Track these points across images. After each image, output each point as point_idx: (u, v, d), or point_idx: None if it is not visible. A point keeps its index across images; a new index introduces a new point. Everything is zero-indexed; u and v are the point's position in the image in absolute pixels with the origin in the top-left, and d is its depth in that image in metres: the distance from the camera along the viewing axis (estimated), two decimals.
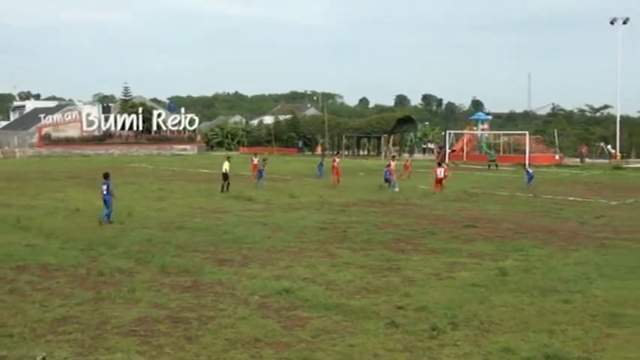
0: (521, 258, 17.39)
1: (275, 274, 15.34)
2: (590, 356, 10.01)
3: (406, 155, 64.03)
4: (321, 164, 44.79)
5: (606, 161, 65.24)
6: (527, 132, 66.10)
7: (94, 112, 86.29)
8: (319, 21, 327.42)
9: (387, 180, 36.12)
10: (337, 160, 40.70)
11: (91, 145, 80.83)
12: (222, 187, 34.48)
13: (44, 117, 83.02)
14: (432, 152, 79.20)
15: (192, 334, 10.93)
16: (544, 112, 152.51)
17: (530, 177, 37.92)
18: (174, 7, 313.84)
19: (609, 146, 73.13)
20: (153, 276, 15.08)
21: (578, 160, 64.93)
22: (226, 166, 35.44)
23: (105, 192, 23.44)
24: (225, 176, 34.91)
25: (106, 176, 23.85)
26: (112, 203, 23.50)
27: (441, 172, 34.62)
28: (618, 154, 69.80)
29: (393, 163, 39.11)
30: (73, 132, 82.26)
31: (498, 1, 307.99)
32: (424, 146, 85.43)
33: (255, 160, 41.77)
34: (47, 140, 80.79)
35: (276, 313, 12.12)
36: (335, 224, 23.28)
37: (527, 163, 56.56)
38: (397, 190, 34.93)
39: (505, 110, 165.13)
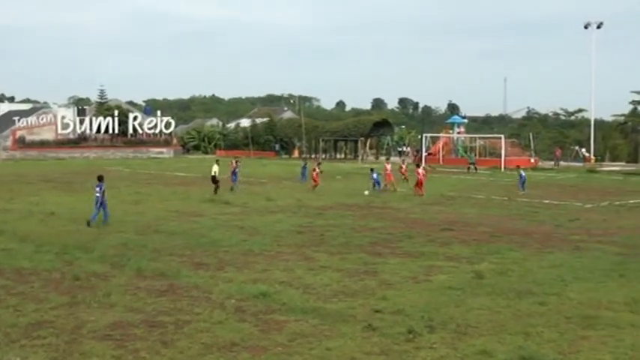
0: (497, 261, 17.48)
1: (252, 277, 15.30)
2: (565, 358, 10.08)
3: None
4: (304, 167, 44.56)
5: (581, 164, 65.83)
6: (502, 135, 66.57)
7: (69, 114, 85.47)
8: (296, 24, 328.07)
9: (377, 182, 36.62)
10: (317, 170, 39.45)
11: (66, 149, 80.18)
12: (215, 189, 34.64)
13: (18, 120, 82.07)
14: (408, 155, 79.55)
15: (168, 338, 10.86)
16: (519, 115, 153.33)
17: (523, 180, 37.93)
18: (151, 9, 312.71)
19: (584, 149, 73.87)
20: (129, 280, 14.97)
21: (552, 163, 65.42)
22: (215, 169, 35.64)
23: (98, 194, 23.59)
24: (214, 179, 35.10)
25: (100, 179, 24.08)
26: (106, 205, 23.84)
27: (421, 173, 35.00)
28: (592, 157, 70.54)
29: (389, 166, 39.19)
30: (47, 135, 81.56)
31: (475, 6, 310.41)
32: (399, 149, 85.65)
33: (234, 164, 40.92)
34: (21, 143, 79.96)
35: (253, 316, 12.08)
36: (312, 228, 23.27)
37: (502, 165, 57.01)
38: (367, 193, 35.08)
39: (481, 114, 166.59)
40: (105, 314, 12.18)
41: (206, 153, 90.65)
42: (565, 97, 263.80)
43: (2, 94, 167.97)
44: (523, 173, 38.68)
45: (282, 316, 12.09)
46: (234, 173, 38.34)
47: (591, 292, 14.03)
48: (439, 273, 15.96)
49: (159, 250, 18.59)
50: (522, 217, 26.97)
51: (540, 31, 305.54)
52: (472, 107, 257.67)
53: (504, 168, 57.75)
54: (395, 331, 11.19)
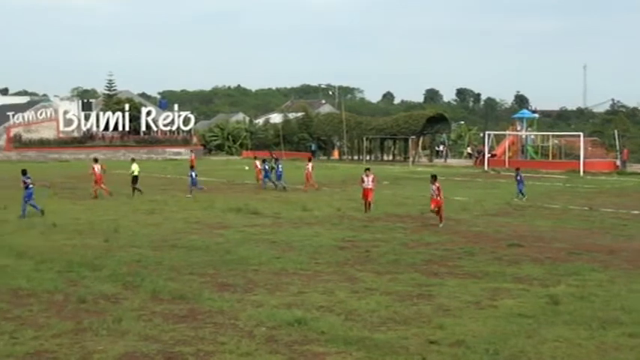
0: (576, 283, 17.31)
1: (285, 301, 15.34)
2: None
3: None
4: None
5: None
6: (581, 133, 65.82)
7: (73, 109, 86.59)
8: (336, 2, 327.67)
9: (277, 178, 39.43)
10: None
11: (69, 149, 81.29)
12: (134, 190, 38.35)
13: (13, 115, 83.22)
14: (470, 157, 79.07)
15: None
16: (602, 109, 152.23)
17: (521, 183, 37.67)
18: None
19: None
20: (143, 303, 15.10)
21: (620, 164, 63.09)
22: (134, 168, 39.14)
23: (32, 185, 29.65)
24: (135, 180, 38.73)
25: (25, 172, 30.28)
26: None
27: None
28: None
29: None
30: (48, 133, 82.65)
31: None
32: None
33: (259, 165, 43.19)
34: (17, 143, 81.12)
35: (287, 347, 12.11)
36: (356, 242, 23.27)
37: (581, 168, 56.27)
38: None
39: (555, 107, 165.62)
40: (115, 343, 12.29)
41: (231, 154, 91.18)
42: None
43: None
44: (519, 177, 38.01)
45: (320, 348, 12.10)
46: (265, 171, 41.80)
47: None
48: (506, 297, 15.85)
49: (177, 269, 18.72)
50: (607, 230, 26.66)
51: (628, 6, 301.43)
52: (544, 99, 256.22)
53: (584, 172, 57.09)
54: None
